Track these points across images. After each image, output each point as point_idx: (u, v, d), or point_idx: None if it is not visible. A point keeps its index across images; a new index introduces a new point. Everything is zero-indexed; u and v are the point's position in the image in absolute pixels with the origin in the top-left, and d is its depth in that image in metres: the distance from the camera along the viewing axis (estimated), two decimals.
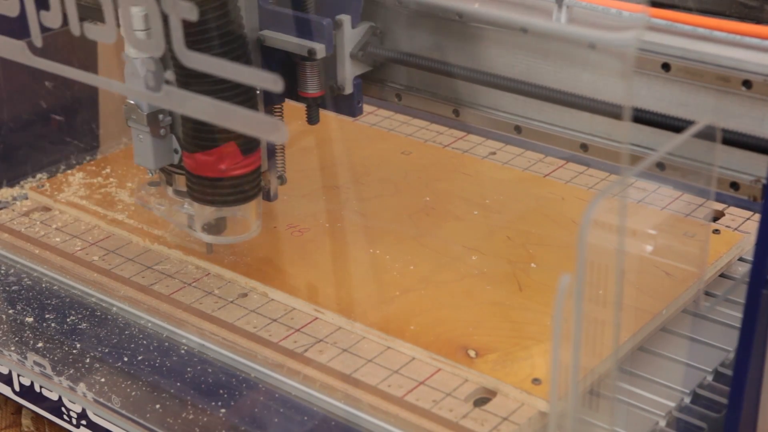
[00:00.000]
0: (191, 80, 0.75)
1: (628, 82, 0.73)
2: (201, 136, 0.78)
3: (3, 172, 1.09)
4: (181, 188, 0.84)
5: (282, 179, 0.90)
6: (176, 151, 0.82)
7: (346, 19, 0.82)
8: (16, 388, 0.88)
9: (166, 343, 0.85)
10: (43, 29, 0.73)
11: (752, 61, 0.71)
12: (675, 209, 0.96)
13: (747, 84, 0.71)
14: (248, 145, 0.79)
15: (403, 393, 0.76)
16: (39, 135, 1.14)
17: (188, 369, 0.82)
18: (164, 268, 0.91)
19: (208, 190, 0.81)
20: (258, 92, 0.81)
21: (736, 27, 0.73)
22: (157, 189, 0.89)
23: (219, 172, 0.79)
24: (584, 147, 0.80)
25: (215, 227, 0.85)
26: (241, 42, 0.77)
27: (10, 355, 0.86)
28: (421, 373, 0.78)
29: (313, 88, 0.85)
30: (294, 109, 1.18)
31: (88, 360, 0.84)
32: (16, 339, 0.87)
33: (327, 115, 1.16)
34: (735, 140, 0.72)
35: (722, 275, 0.90)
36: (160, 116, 0.81)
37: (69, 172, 1.05)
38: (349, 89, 0.85)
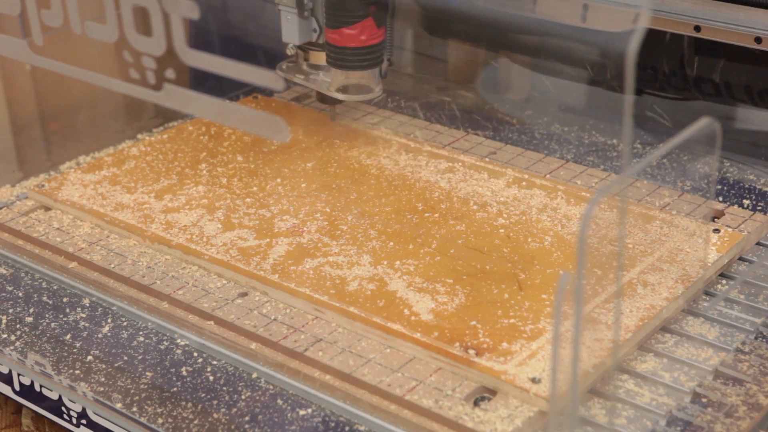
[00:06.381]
0: None
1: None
2: (346, 14, 0.98)
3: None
4: (315, 62, 1.07)
5: (390, 61, 1.08)
6: (315, 31, 1.03)
7: None
8: (16, 387, 0.88)
9: (166, 343, 0.85)
10: None
11: None
12: (675, 209, 0.96)
13: None
14: (380, 20, 0.99)
15: (403, 392, 0.76)
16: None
17: (188, 368, 0.82)
18: (164, 267, 0.91)
19: (349, 57, 1.01)
20: None
21: None
22: (294, 64, 1.09)
23: (360, 42, 1.00)
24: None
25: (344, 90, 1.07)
26: None
27: (10, 355, 0.86)
28: (421, 372, 0.78)
29: None
30: (295, 109, 1.18)
31: (88, 360, 0.84)
32: (16, 338, 0.87)
33: (327, 115, 1.16)
34: None
35: (722, 275, 0.90)
36: (305, 0, 1.01)
37: (69, 171, 1.05)
38: None
